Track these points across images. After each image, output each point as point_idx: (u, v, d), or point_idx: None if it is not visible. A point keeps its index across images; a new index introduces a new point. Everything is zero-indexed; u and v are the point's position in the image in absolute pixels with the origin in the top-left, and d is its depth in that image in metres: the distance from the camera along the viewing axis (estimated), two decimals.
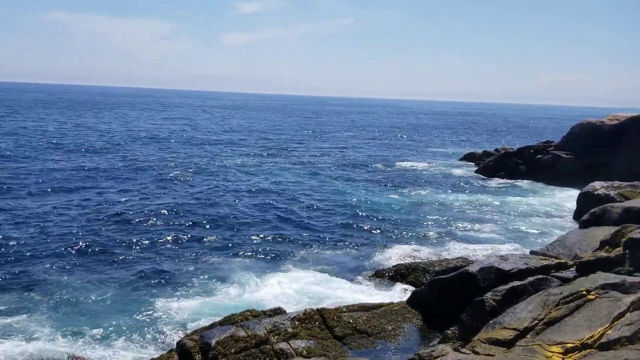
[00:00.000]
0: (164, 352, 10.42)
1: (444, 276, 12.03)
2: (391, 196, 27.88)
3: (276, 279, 14.89)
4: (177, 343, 10.00)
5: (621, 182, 22.48)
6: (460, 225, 21.95)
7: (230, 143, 52.47)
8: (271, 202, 25.32)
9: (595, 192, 21.51)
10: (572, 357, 7.22)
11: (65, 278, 14.65)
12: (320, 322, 10.48)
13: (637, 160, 30.09)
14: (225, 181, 30.62)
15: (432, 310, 11.41)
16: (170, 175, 31.28)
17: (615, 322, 7.67)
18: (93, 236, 18.50)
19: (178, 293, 13.95)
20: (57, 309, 12.75)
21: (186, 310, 12.78)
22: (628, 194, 20.31)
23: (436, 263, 15.28)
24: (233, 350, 9.22)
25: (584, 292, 8.72)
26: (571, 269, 11.11)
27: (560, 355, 7.28)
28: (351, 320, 10.70)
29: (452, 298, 11.23)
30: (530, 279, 10.32)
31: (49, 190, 25.75)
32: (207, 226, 20.59)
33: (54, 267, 15.47)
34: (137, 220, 20.74)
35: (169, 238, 18.68)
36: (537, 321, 8.34)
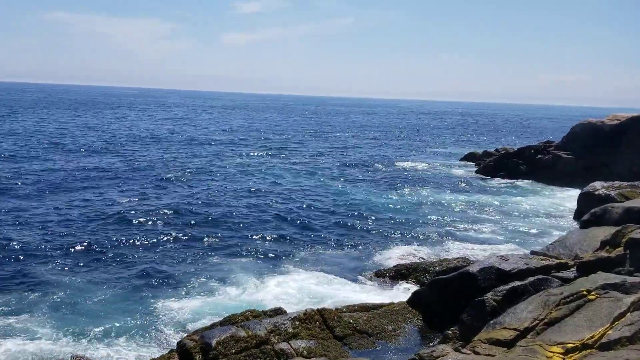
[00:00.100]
0: (165, 352, 10.41)
1: (445, 276, 12.02)
2: (391, 196, 27.88)
3: (276, 279, 14.90)
4: (178, 343, 9.99)
5: (622, 182, 22.47)
6: (461, 225, 21.94)
7: (230, 143, 52.48)
8: (271, 202, 25.33)
9: (596, 192, 21.50)
10: (572, 358, 7.22)
11: (66, 278, 14.66)
12: (321, 322, 10.47)
13: (637, 160, 30.06)
14: (226, 181, 30.64)
15: (433, 311, 11.40)
16: (171, 175, 31.27)
17: (616, 323, 7.67)
18: (93, 236, 18.51)
19: (178, 293, 13.96)
20: (57, 309, 12.76)
21: (187, 310, 12.79)
22: (629, 194, 20.30)
23: (436, 263, 15.29)
24: (233, 351, 9.22)
25: (585, 292, 8.72)
26: (572, 269, 11.11)
27: (560, 356, 7.28)
28: (352, 321, 10.69)
29: (452, 298, 11.22)
30: (531, 279, 10.32)
31: (49, 190, 25.77)
32: (208, 226, 20.58)
33: (55, 267, 15.48)
34: (138, 220, 20.75)
35: (170, 238, 18.69)
36: (537, 321, 8.34)
